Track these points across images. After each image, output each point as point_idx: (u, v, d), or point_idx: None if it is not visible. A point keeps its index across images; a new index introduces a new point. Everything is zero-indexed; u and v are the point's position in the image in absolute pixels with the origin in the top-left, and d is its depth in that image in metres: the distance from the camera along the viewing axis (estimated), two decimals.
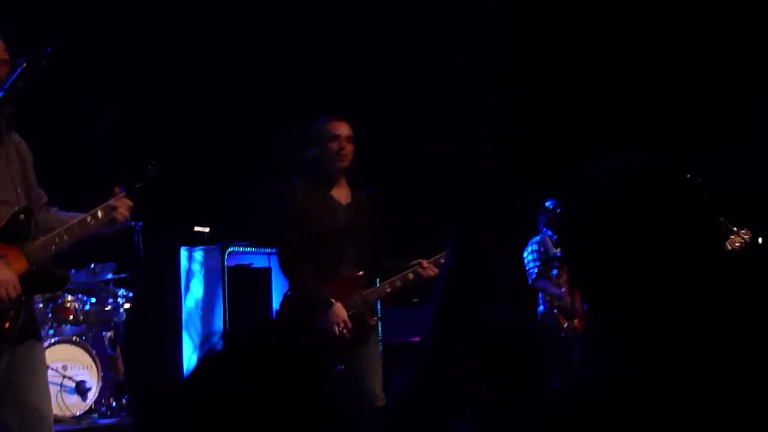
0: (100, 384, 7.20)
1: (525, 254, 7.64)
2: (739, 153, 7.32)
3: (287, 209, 5.30)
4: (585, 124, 8.12)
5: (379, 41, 8.75)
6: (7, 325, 3.82)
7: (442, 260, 5.47)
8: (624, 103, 8.21)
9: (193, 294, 7.71)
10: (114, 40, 8.11)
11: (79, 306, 7.40)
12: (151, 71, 8.29)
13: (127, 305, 7.63)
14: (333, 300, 5.24)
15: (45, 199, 4.27)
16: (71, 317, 7.36)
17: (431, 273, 5.47)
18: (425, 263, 5.49)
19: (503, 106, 8.34)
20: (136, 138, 7.87)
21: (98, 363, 7.24)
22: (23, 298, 3.89)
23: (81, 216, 4.12)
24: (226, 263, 7.52)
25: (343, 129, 5.35)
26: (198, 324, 7.67)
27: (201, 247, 7.77)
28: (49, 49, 3.98)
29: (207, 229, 7.94)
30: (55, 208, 4.25)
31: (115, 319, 7.61)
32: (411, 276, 5.48)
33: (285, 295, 5.49)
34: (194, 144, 8.35)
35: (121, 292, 7.61)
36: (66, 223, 4.07)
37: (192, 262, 7.73)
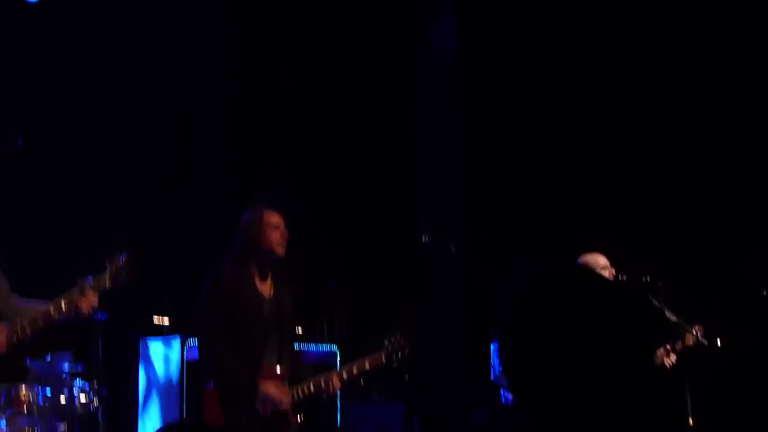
0: None
1: (491, 348, 7.55)
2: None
3: (214, 294, 5.15)
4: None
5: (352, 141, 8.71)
6: None
7: (353, 371, 5.28)
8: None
9: (152, 386, 7.54)
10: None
11: (33, 397, 7.10)
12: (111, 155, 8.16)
13: (82, 397, 7.34)
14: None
15: (6, 285, 4.31)
16: (25, 408, 7.06)
17: (333, 389, 5.35)
18: (335, 379, 5.36)
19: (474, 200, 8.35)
20: (98, 218, 7.69)
21: None
22: None
23: (43, 307, 4.12)
24: (185, 356, 7.40)
25: (280, 219, 5.30)
26: (157, 417, 7.53)
27: (160, 338, 7.66)
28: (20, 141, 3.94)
29: (166, 320, 7.77)
30: (16, 296, 4.31)
31: (70, 411, 7.32)
32: (321, 384, 5.36)
33: (207, 390, 5.29)
34: (153, 227, 8.19)
35: (77, 383, 7.34)
36: (28, 314, 4.15)
37: (150, 353, 7.60)
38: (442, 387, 7.95)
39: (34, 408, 6.87)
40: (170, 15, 8.38)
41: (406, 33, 9.12)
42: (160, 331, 7.78)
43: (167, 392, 7.45)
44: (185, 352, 7.39)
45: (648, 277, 5.53)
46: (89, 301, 4.17)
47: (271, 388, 5.11)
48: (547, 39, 8.57)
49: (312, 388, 5.29)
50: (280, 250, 5.23)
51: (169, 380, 7.47)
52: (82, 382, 7.11)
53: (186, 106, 8.79)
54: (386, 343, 5.43)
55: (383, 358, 5.42)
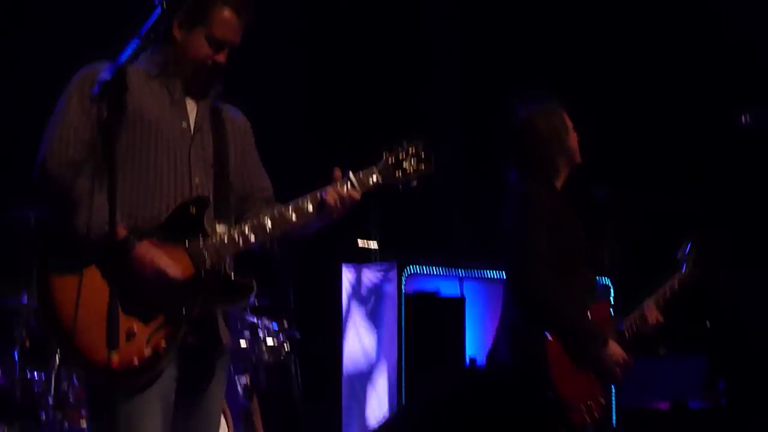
0: None
1: None
2: None
3: (538, 214, 4.21)
4: None
5: None
6: (161, 343, 3.10)
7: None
8: None
9: (357, 328, 6.35)
10: None
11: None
12: None
13: (270, 341, 5.93)
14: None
15: (267, 193, 3.52)
16: None
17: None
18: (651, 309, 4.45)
19: None
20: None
21: (229, 420, 5.62)
22: (184, 311, 3.14)
23: (277, 208, 3.33)
24: (404, 288, 6.21)
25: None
26: (363, 368, 6.34)
27: (369, 266, 6.42)
28: None
29: (374, 244, 6.59)
30: (276, 204, 3.42)
31: (253, 359, 5.91)
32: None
33: (542, 339, 4.15)
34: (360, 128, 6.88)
35: (262, 322, 5.91)
36: (256, 218, 3.32)
37: (357, 284, 6.39)
38: (757, 337, 6.22)
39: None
40: None
41: None
42: (367, 257, 6.53)
43: (381, 335, 6.24)
44: (403, 285, 6.16)
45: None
46: (341, 192, 3.28)
47: (618, 349, 4.18)
48: None
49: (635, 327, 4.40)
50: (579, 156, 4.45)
51: (381, 322, 6.25)
52: (269, 321, 5.99)
53: None
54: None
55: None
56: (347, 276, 6.30)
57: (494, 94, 5.73)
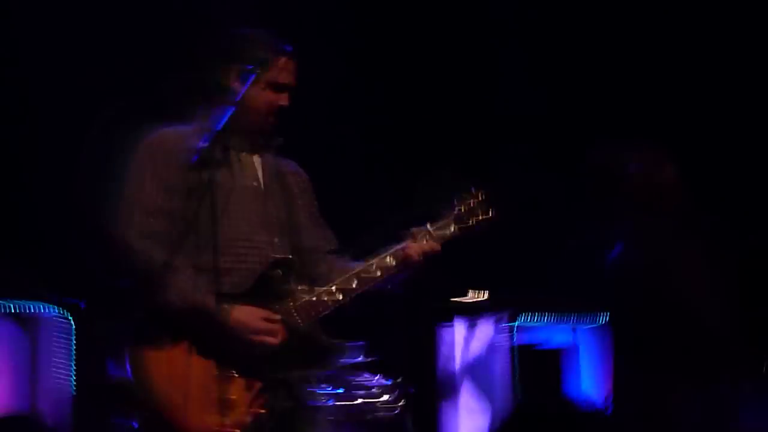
0: None
1: None
2: None
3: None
4: None
5: None
6: (261, 410, 3.08)
7: None
8: None
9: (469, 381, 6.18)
10: None
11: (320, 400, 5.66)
12: None
13: (384, 397, 5.86)
14: None
15: (332, 245, 3.50)
16: None
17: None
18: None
19: None
20: None
21: None
22: (281, 376, 3.16)
23: (361, 265, 3.33)
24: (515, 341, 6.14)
25: None
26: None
27: (477, 318, 6.31)
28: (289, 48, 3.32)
29: (485, 295, 6.41)
30: (342, 257, 3.46)
31: (369, 416, 5.84)
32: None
33: None
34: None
35: (375, 380, 5.85)
36: (342, 275, 3.29)
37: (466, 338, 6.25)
38: None
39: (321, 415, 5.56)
40: None
41: None
42: (476, 310, 6.36)
43: (492, 389, 6.09)
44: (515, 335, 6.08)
45: None
46: (424, 247, 3.30)
47: None
48: None
49: None
50: None
51: (492, 373, 6.12)
52: (382, 378, 5.81)
53: None
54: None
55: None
56: (458, 330, 6.20)
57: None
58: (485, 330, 6.18)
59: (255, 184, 3.33)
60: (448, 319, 6.26)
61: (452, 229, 3.42)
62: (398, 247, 3.34)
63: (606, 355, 5.79)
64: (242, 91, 3.15)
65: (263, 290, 3.22)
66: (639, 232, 4.04)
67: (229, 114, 3.08)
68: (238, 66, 3.24)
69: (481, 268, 6.44)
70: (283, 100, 3.31)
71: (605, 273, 4.08)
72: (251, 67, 3.15)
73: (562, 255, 6.39)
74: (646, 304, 3.94)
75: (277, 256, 3.28)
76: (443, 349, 6.17)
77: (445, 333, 6.23)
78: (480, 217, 3.45)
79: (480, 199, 3.48)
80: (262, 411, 3.12)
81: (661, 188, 4.10)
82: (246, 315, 3.13)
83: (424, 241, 3.35)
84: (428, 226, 3.42)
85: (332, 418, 5.72)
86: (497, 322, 6.15)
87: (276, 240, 3.32)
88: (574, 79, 6.88)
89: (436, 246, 3.37)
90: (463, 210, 3.46)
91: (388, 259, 3.32)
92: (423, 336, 6.20)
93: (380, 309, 5.60)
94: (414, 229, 3.39)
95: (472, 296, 6.54)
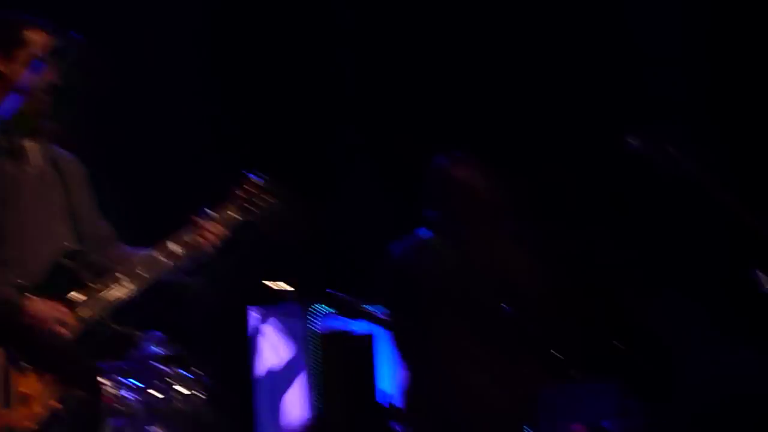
0: None
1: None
2: None
3: None
4: None
5: None
6: (56, 404, 3.03)
7: None
8: None
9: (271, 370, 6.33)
10: None
11: (117, 392, 5.62)
12: None
13: (181, 389, 5.88)
14: None
15: (108, 233, 3.51)
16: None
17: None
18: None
19: None
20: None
21: None
22: (74, 367, 3.14)
23: (150, 253, 3.37)
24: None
25: None
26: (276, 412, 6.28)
27: (276, 307, 6.48)
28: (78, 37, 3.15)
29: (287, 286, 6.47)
30: (124, 246, 3.50)
31: (167, 409, 5.84)
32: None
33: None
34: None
35: (174, 372, 5.87)
36: (132, 264, 3.32)
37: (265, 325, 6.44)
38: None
39: (120, 407, 5.63)
40: None
41: None
42: (275, 299, 6.45)
43: (292, 378, 6.25)
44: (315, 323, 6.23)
45: None
46: (212, 231, 3.39)
47: None
48: None
49: None
50: None
51: (293, 361, 6.29)
52: (180, 370, 5.90)
53: None
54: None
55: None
56: (254, 317, 6.30)
57: None
58: (291, 318, 6.34)
59: (39, 172, 3.31)
60: (256, 306, 6.43)
61: (233, 213, 3.55)
62: (184, 233, 3.43)
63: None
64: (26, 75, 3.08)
65: (56, 281, 3.23)
66: (455, 238, 4.32)
67: (12, 101, 3.02)
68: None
69: (290, 259, 6.54)
70: (52, 77, 3.23)
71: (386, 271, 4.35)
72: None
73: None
74: (432, 304, 4.21)
75: (68, 245, 3.29)
76: (250, 338, 6.30)
77: (251, 321, 6.37)
78: (261, 203, 3.61)
79: (262, 185, 3.64)
80: (58, 405, 3.06)
81: (482, 202, 4.43)
82: (40, 307, 3.11)
83: (210, 226, 3.46)
84: (210, 211, 3.53)
85: (131, 410, 5.73)
86: (303, 309, 6.33)
87: (64, 230, 3.32)
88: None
89: (222, 230, 3.48)
90: (244, 195, 3.60)
91: (174, 246, 3.40)
92: (229, 326, 6.33)
93: (184, 299, 5.71)
94: (198, 216, 3.49)
95: (278, 285, 6.65)
